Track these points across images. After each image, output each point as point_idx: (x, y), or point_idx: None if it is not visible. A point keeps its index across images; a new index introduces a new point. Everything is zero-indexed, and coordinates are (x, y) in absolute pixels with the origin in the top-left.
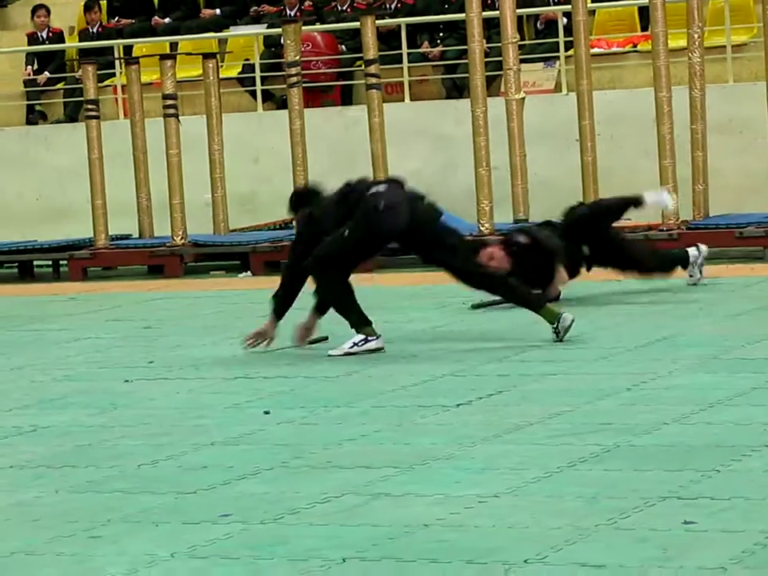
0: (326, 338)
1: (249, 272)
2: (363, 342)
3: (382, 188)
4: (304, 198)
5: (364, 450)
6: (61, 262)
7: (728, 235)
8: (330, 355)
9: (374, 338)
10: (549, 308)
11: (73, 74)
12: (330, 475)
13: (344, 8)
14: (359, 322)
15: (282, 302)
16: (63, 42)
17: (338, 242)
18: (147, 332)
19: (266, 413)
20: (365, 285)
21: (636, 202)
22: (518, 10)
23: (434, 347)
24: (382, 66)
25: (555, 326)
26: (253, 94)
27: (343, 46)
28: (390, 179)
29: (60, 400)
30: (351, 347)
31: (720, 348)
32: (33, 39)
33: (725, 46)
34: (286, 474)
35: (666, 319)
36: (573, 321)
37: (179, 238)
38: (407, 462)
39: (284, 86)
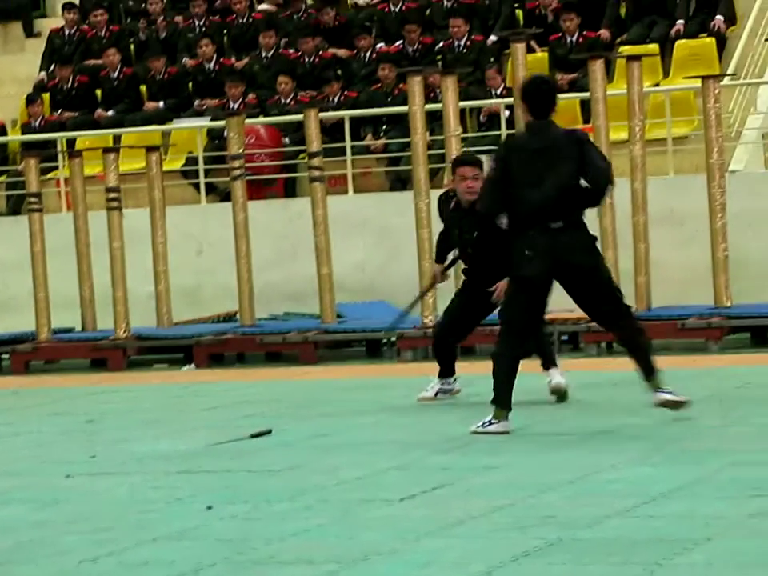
0: (270, 432)
1: (192, 365)
2: (489, 424)
3: None
4: None
5: (307, 545)
6: (3, 356)
7: (670, 327)
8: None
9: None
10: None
11: (15, 167)
12: (273, 571)
13: (287, 101)
14: (501, 400)
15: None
16: (5, 134)
17: None
18: (89, 426)
19: (209, 508)
20: (305, 378)
21: None
22: (460, 103)
23: (378, 440)
24: (325, 159)
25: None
26: (196, 186)
27: (287, 139)
28: None
29: (1, 495)
30: (479, 427)
31: (662, 440)
32: None
33: (666, 139)
34: (229, 570)
35: (609, 411)
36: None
37: (122, 331)
38: (350, 557)
39: (228, 178)
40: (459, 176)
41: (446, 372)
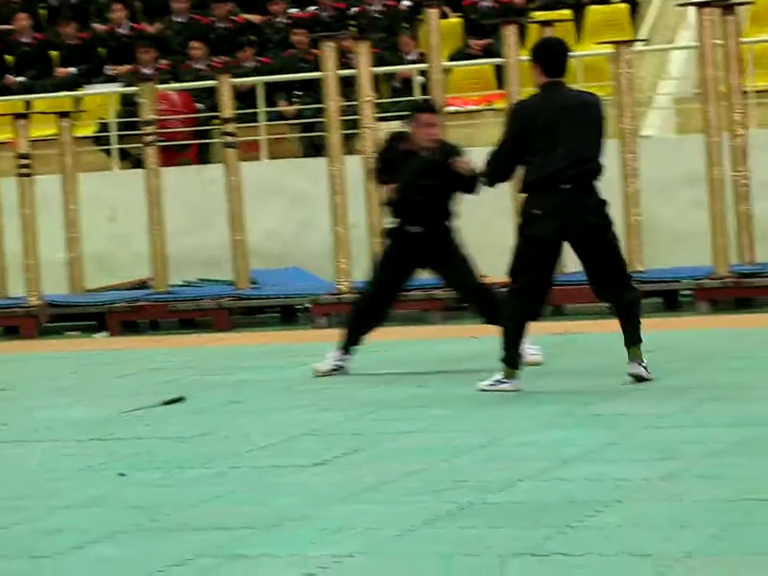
0: (183, 399)
1: (105, 332)
2: (498, 383)
3: None
4: None
5: (219, 512)
6: None
7: (584, 291)
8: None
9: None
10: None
11: None
12: (186, 537)
13: (200, 66)
14: (510, 359)
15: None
16: None
17: None
18: (1, 394)
19: (121, 475)
20: (219, 344)
21: None
22: (373, 69)
23: (291, 406)
24: (238, 125)
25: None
26: (109, 152)
27: (200, 105)
28: None
29: None
30: (488, 385)
31: (574, 404)
32: None
33: None
34: (141, 537)
35: (522, 375)
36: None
37: (34, 298)
38: (263, 522)
39: (140, 144)
40: (423, 122)
41: (353, 344)
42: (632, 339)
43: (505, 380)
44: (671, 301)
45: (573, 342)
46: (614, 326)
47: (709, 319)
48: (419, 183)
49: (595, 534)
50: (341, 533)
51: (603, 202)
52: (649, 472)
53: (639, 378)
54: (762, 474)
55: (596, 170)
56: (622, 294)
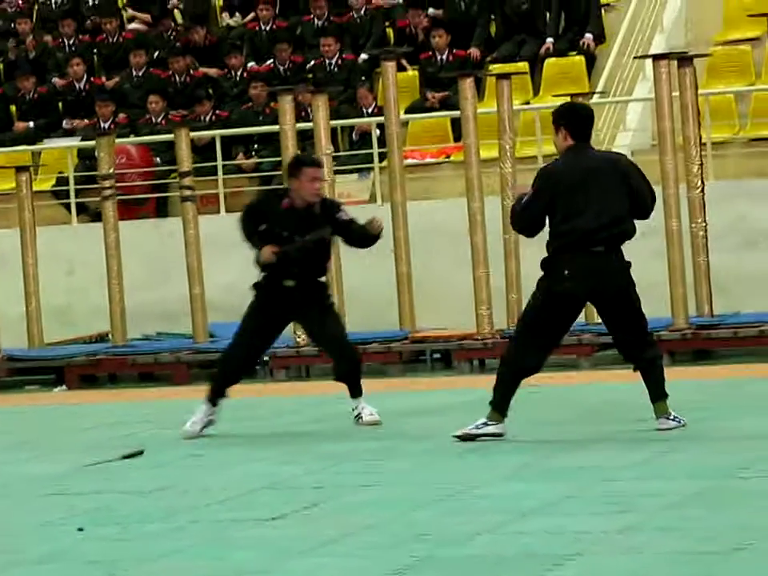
0: (142, 453)
1: (64, 386)
2: (483, 426)
3: None
4: None
5: (178, 566)
6: None
7: None
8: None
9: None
10: None
11: None
12: None
13: (158, 120)
14: (499, 404)
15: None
16: None
17: None
18: None
19: (80, 530)
20: (178, 398)
21: None
22: (331, 122)
23: (250, 459)
24: (197, 178)
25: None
26: (67, 206)
27: (158, 158)
28: None
29: None
30: (473, 429)
31: (533, 456)
32: None
33: (536, 157)
34: None
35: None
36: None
37: None
38: None
39: (98, 198)
40: (309, 176)
41: (220, 397)
42: (656, 395)
43: (490, 422)
44: None
45: (533, 395)
46: (575, 378)
47: (668, 371)
48: (294, 239)
49: None
50: None
51: (628, 263)
52: (608, 525)
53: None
54: (720, 526)
55: (628, 232)
56: (644, 351)
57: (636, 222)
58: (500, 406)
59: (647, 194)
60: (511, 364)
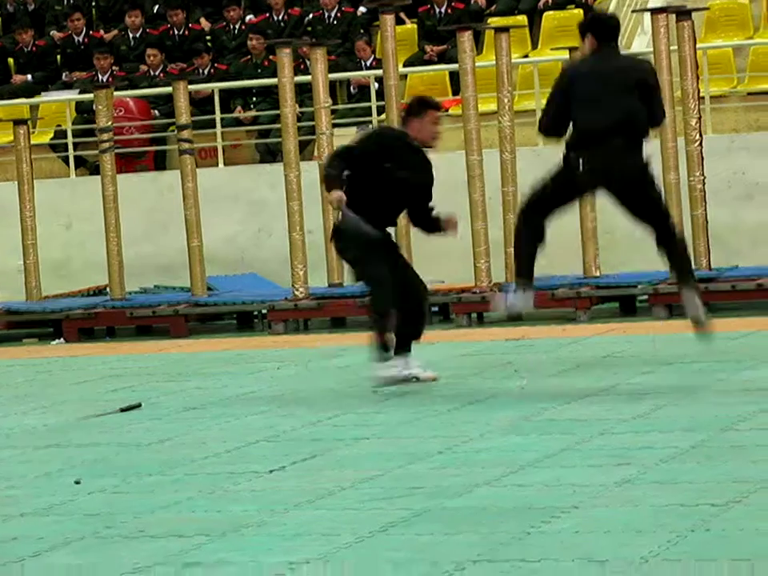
0: (140, 405)
1: (62, 339)
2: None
3: None
4: None
5: (176, 519)
6: None
7: (541, 297)
8: None
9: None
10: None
11: None
12: (142, 545)
13: (156, 73)
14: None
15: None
16: None
17: None
18: None
19: (77, 482)
20: (176, 351)
21: None
22: (330, 75)
23: (248, 412)
24: (195, 131)
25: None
26: (65, 159)
27: (156, 111)
28: None
29: None
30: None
31: (531, 410)
32: None
33: (535, 110)
34: (98, 545)
35: (478, 381)
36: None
37: None
38: (219, 529)
39: (96, 151)
40: (431, 119)
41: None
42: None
43: (516, 289)
44: (628, 306)
45: (530, 348)
46: (572, 331)
47: (665, 324)
48: (412, 181)
49: (552, 540)
50: (297, 539)
51: (646, 161)
52: (605, 478)
53: (696, 318)
54: (717, 479)
55: (640, 128)
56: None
57: None
58: (520, 272)
59: (657, 106)
60: (525, 231)
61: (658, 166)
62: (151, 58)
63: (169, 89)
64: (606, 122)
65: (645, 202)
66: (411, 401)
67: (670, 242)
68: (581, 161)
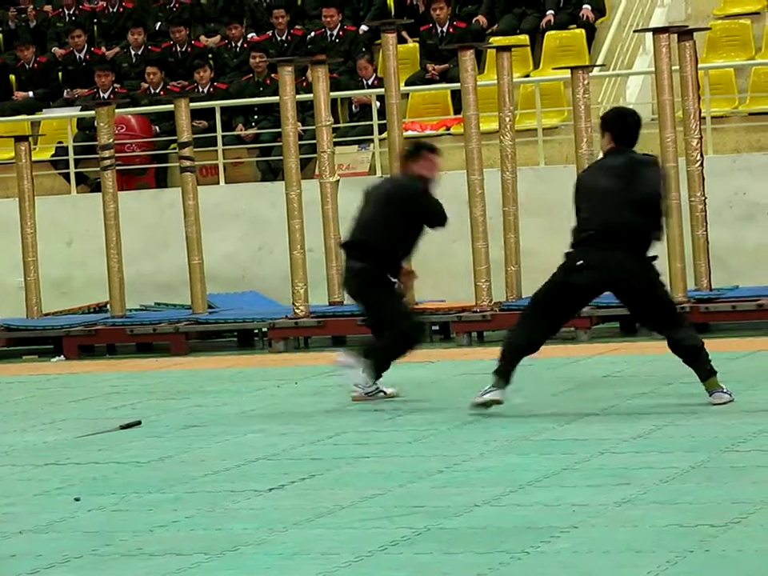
0: (140, 423)
1: (62, 356)
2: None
3: None
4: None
5: (175, 537)
6: None
7: None
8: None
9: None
10: None
11: None
12: (140, 563)
13: (158, 90)
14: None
15: None
16: None
17: None
18: None
19: (77, 500)
20: (176, 369)
21: None
22: (331, 93)
23: (247, 431)
24: (196, 149)
25: None
26: (66, 176)
27: (157, 128)
28: None
29: None
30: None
31: (531, 429)
32: None
33: (536, 129)
34: (96, 562)
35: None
36: None
37: None
38: (218, 547)
39: (98, 168)
40: (431, 161)
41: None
42: (700, 375)
43: (491, 388)
44: (628, 325)
45: (531, 367)
46: (573, 350)
47: (665, 344)
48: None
49: (551, 560)
50: (297, 558)
51: (649, 259)
52: (605, 497)
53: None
54: (716, 499)
55: (639, 230)
56: (675, 333)
57: None
58: (503, 373)
59: (653, 204)
60: (517, 337)
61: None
62: (151, 76)
63: (170, 106)
64: (609, 221)
65: (646, 300)
66: (411, 420)
67: (682, 336)
68: (580, 258)
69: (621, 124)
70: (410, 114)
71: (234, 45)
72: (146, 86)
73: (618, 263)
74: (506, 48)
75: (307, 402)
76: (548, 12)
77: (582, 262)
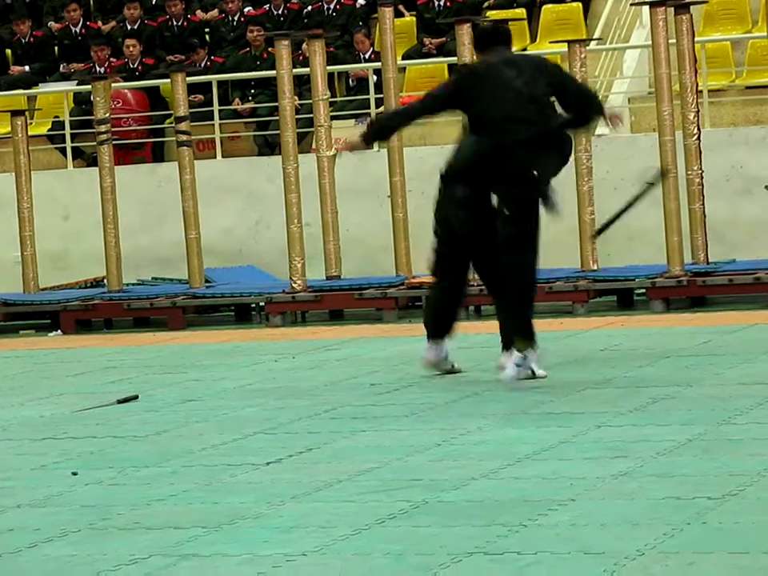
0: (137, 397)
1: (59, 331)
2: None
3: None
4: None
5: (172, 510)
6: None
7: (539, 289)
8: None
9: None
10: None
11: None
12: (138, 536)
13: (135, 65)
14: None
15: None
16: None
17: None
18: None
19: (74, 474)
20: (173, 343)
21: None
22: (328, 67)
23: (245, 405)
24: (193, 123)
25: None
26: (63, 151)
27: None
28: None
29: None
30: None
31: (528, 402)
32: None
33: None
34: (93, 536)
35: (476, 374)
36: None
37: None
38: (216, 521)
39: (94, 143)
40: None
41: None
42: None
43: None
44: (625, 299)
45: None
46: (570, 324)
47: (663, 318)
48: None
49: (548, 533)
50: (294, 532)
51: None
52: (602, 470)
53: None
54: (713, 472)
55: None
56: None
57: None
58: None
59: None
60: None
61: (656, 160)
62: (130, 48)
63: (167, 81)
64: None
65: None
66: (408, 393)
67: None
68: None
69: (483, 32)
70: (406, 88)
71: (230, 19)
72: (125, 59)
73: None
74: (503, 22)
75: (304, 376)
76: None
77: None
